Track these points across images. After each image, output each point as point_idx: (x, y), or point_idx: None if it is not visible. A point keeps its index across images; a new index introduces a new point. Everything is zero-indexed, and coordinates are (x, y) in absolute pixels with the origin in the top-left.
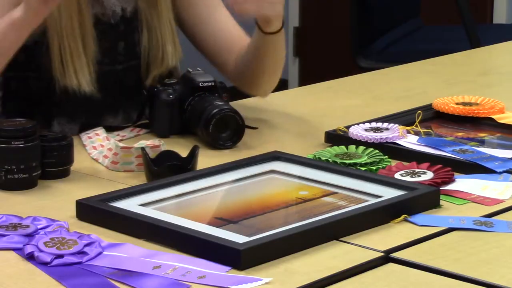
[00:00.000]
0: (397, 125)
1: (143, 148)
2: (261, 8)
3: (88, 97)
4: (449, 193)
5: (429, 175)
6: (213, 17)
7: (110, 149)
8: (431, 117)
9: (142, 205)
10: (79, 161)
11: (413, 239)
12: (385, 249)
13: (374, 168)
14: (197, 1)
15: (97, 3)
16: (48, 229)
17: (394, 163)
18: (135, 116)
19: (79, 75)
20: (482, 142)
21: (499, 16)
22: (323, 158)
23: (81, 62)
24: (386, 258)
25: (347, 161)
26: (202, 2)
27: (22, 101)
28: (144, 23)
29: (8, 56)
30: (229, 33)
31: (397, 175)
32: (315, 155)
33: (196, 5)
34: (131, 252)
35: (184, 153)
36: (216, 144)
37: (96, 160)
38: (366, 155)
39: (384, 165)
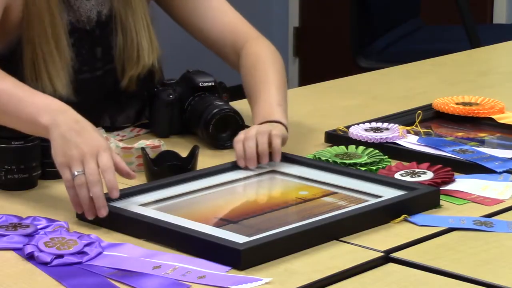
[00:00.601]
0: (397, 125)
1: (143, 148)
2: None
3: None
4: (449, 193)
5: (429, 175)
6: (202, 10)
7: None
8: (431, 117)
9: (142, 205)
10: None
11: (413, 239)
12: (385, 249)
13: (374, 168)
14: None
15: (71, 10)
16: (48, 229)
17: (394, 163)
18: (120, 118)
19: (54, 79)
20: (482, 142)
21: (499, 16)
22: (323, 158)
23: (56, 67)
24: (386, 258)
25: (347, 161)
26: None
27: None
28: (119, 24)
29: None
30: (219, 25)
31: (397, 175)
32: (315, 155)
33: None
34: (131, 252)
35: (184, 153)
36: (216, 144)
37: None
38: (366, 155)
39: (384, 165)
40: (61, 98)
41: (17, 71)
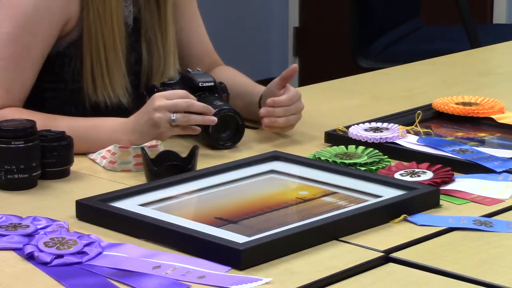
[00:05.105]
0: (397, 125)
1: (142, 148)
2: (289, 121)
3: (116, 109)
4: (449, 193)
5: (429, 175)
6: (192, 28)
7: (108, 151)
8: (431, 117)
9: (142, 205)
10: (79, 161)
11: (413, 239)
12: (385, 249)
13: (374, 168)
14: (181, 10)
15: None
16: (48, 229)
17: (394, 163)
18: None
19: (117, 87)
20: (482, 142)
21: (499, 16)
22: (323, 158)
23: (118, 74)
24: (386, 258)
25: (347, 161)
26: (185, 11)
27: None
28: (143, 32)
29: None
30: (202, 45)
31: (397, 175)
32: (315, 155)
33: (180, 13)
34: (131, 252)
35: (184, 153)
36: (216, 144)
37: (93, 160)
38: (366, 155)
39: (384, 165)
40: (113, 107)
41: (62, 73)
